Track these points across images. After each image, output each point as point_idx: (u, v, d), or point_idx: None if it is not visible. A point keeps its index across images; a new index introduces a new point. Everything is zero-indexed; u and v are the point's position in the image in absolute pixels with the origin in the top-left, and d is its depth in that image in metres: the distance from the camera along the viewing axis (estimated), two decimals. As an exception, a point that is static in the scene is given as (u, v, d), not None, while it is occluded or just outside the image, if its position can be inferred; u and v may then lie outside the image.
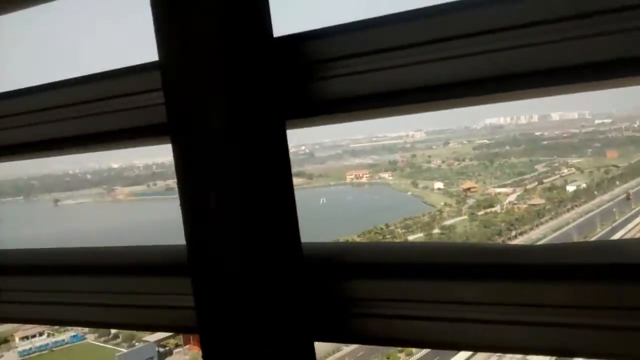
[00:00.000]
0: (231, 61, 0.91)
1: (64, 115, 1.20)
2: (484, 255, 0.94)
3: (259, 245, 0.94)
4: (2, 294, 1.44)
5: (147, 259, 1.24)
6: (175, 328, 1.25)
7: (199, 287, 1.00)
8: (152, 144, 1.18)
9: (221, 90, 0.92)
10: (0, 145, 1.33)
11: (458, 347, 0.92)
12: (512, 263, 0.88)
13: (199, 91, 0.95)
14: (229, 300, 0.97)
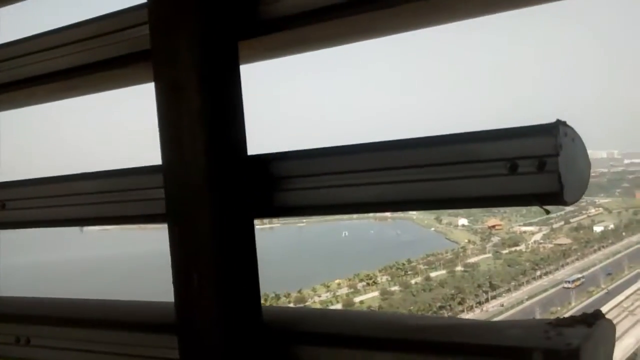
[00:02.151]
0: (215, 176, 1.21)
1: (90, 200, 1.52)
2: (404, 330, 1.20)
3: (229, 312, 1.22)
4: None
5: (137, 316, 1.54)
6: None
7: (183, 344, 1.28)
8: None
9: (205, 197, 1.21)
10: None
11: None
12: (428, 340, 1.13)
13: (190, 193, 1.24)
14: (206, 355, 1.24)
